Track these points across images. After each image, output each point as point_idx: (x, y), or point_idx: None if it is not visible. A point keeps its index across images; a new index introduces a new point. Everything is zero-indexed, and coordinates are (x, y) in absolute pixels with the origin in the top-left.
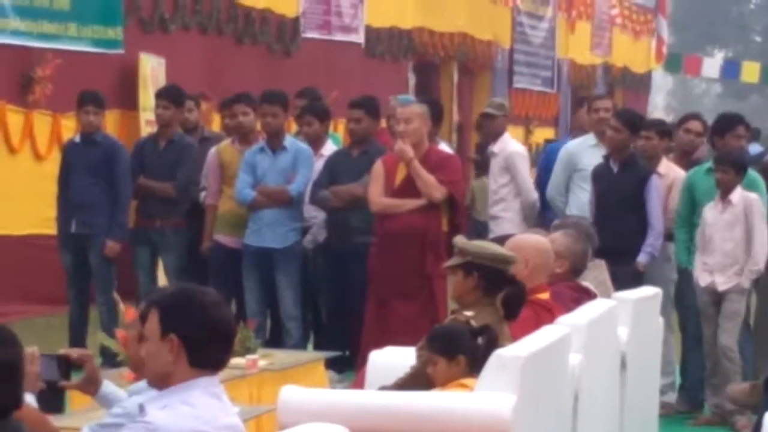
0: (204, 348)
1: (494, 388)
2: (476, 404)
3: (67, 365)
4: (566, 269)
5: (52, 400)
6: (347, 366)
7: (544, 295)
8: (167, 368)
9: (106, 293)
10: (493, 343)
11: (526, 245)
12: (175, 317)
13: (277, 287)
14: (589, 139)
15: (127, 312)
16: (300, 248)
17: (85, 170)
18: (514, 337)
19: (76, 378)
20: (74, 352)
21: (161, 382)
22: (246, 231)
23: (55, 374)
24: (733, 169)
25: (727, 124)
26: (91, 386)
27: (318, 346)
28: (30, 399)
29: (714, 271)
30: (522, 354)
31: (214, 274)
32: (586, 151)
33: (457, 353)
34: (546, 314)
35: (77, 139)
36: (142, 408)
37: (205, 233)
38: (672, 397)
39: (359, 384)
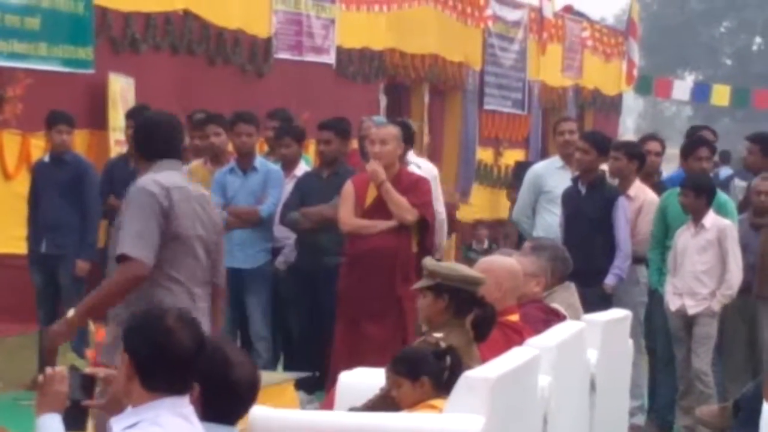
0: (155, 372)
1: (463, 410)
2: (445, 426)
3: (91, 384)
4: (542, 286)
5: (76, 419)
6: (317, 387)
7: (514, 317)
8: (122, 387)
9: None
10: (458, 365)
11: (498, 268)
12: (130, 338)
13: (246, 307)
14: (555, 161)
15: (98, 332)
16: (270, 269)
17: (55, 190)
18: (484, 359)
19: None
20: (101, 372)
21: (120, 400)
22: None
23: (78, 393)
24: (692, 192)
25: (689, 147)
26: (115, 407)
27: (288, 367)
28: (57, 419)
29: (684, 295)
30: (491, 375)
31: None
32: (552, 173)
33: (421, 375)
34: (515, 336)
35: (46, 158)
36: (109, 428)
37: None
38: (641, 419)
39: (329, 405)
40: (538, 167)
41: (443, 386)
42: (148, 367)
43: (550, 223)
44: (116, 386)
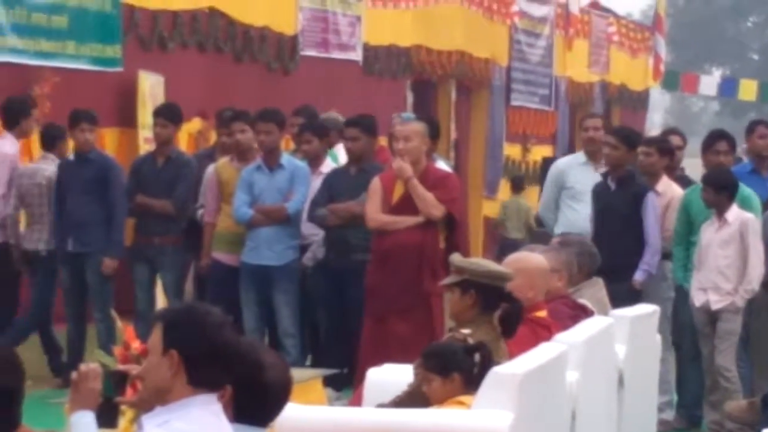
0: (203, 367)
1: (491, 406)
2: (474, 421)
3: (122, 381)
4: (565, 280)
5: (108, 416)
6: (345, 383)
7: (542, 313)
8: (165, 384)
9: (103, 310)
10: (488, 360)
11: (529, 266)
12: (177, 333)
13: (274, 305)
14: (579, 156)
15: (126, 330)
16: (297, 266)
17: (80, 188)
18: (512, 355)
19: None
20: (133, 369)
21: (158, 397)
22: (244, 249)
23: (110, 390)
24: (712, 188)
25: (707, 140)
26: (146, 404)
27: (316, 364)
28: (90, 417)
29: (708, 290)
30: (519, 371)
31: (213, 291)
32: (574, 169)
33: (452, 371)
34: (543, 332)
35: (71, 157)
36: (140, 425)
37: (203, 251)
38: (670, 414)
39: (357, 401)
40: (561, 163)
41: (473, 382)
42: (198, 362)
43: (570, 219)
44: (151, 383)
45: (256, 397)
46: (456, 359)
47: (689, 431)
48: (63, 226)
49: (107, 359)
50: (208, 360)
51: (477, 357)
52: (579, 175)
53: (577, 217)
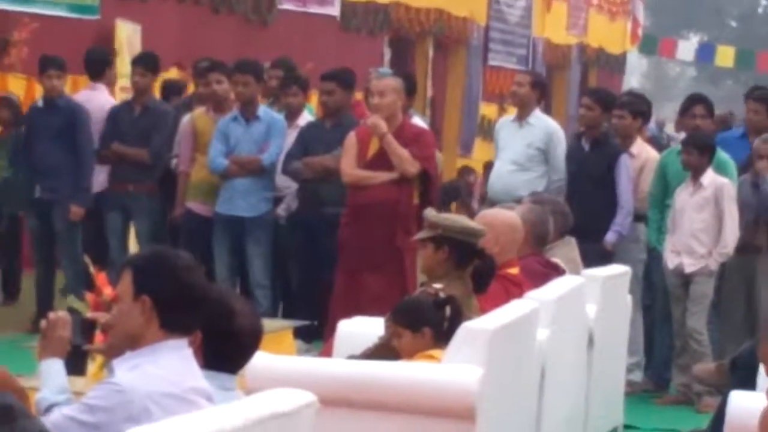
0: (175, 311)
1: (461, 360)
2: (443, 375)
3: (91, 329)
4: (524, 239)
5: (76, 364)
6: (315, 336)
7: (514, 270)
8: (138, 330)
9: (71, 257)
10: (458, 315)
11: (497, 222)
12: (147, 278)
13: (247, 256)
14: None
15: (98, 276)
16: (271, 218)
17: (48, 135)
18: (483, 311)
19: None
20: (102, 317)
21: (131, 343)
22: (218, 199)
23: (79, 338)
24: (696, 150)
25: (685, 104)
26: (116, 351)
27: (287, 315)
28: (59, 364)
29: (681, 253)
30: (490, 327)
31: (186, 241)
32: (505, 127)
33: (422, 325)
34: (515, 289)
35: (40, 103)
36: (111, 369)
37: (177, 200)
38: (638, 375)
39: (327, 353)
40: (499, 122)
41: (443, 336)
42: (169, 306)
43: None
44: (122, 330)
45: (226, 343)
46: (426, 314)
47: (657, 393)
48: (31, 172)
49: (79, 305)
50: (178, 303)
51: (447, 311)
52: (503, 131)
53: (496, 173)
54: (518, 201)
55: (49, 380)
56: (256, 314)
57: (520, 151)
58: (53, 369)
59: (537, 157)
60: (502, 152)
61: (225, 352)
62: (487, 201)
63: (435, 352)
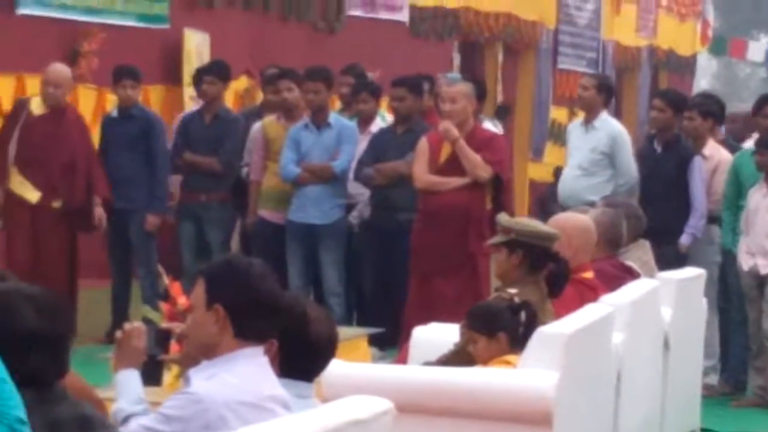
0: (249, 319)
1: (537, 365)
2: (519, 381)
3: (166, 339)
4: (598, 242)
5: (152, 374)
6: (390, 343)
7: (588, 274)
8: (212, 339)
9: (147, 266)
10: (533, 320)
11: (569, 226)
12: (221, 287)
13: (320, 264)
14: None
15: (172, 285)
16: (343, 225)
17: (123, 144)
18: (558, 315)
19: None
20: (177, 328)
21: (206, 352)
22: (290, 207)
23: (154, 348)
24: None
25: (758, 104)
26: (190, 361)
27: (361, 323)
28: (135, 375)
29: (756, 254)
30: (565, 331)
31: (258, 249)
32: (575, 130)
33: (497, 330)
34: (589, 293)
35: (114, 113)
36: (187, 378)
37: (249, 209)
38: (714, 378)
39: (402, 360)
40: (570, 126)
41: (518, 341)
42: (243, 315)
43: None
44: (197, 339)
45: (302, 351)
46: (502, 319)
47: (734, 396)
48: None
49: (153, 314)
50: (253, 311)
51: (522, 316)
52: (573, 135)
53: (564, 177)
54: (591, 205)
55: (126, 391)
56: (332, 321)
57: (586, 156)
58: (129, 379)
59: (602, 162)
60: (570, 157)
61: (301, 359)
62: (559, 206)
63: (510, 358)
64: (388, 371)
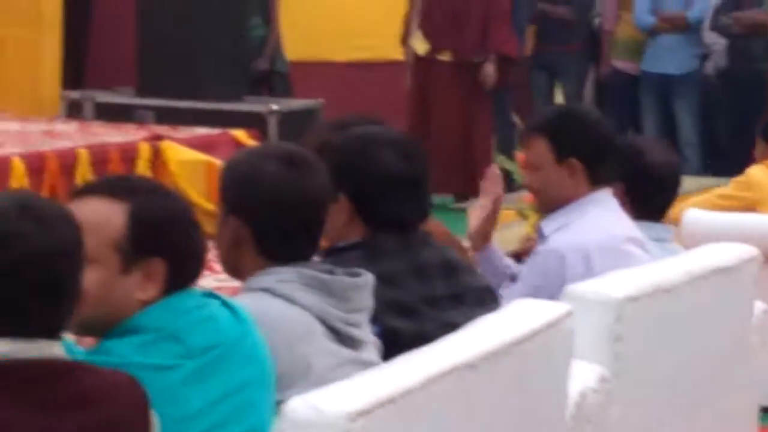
0: (597, 164)
1: None
2: None
3: None
4: None
5: None
6: None
7: None
8: (568, 191)
9: (501, 118)
10: None
11: None
12: (568, 139)
13: (675, 113)
14: None
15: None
16: (699, 75)
17: None
18: None
19: None
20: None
21: (560, 202)
22: (644, 56)
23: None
24: None
25: None
26: (549, 208)
27: (715, 173)
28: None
29: None
30: None
31: (612, 99)
32: None
33: None
34: None
35: None
36: (541, 233)
37: (602, 59)
38: None
39: None
40: None
41: None
42: (595, 162)
43: None
44: (553, 192)
45: (646, 189)
46: None
47: None
48: None
49: (509, 164)
50: (598, 156)
51: None
52: None
53: None
54: None
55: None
56: (669, 152)
57: None
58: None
59: None
60: None
61: (647, 197)
62: None
63: None
64: (750, 220)
